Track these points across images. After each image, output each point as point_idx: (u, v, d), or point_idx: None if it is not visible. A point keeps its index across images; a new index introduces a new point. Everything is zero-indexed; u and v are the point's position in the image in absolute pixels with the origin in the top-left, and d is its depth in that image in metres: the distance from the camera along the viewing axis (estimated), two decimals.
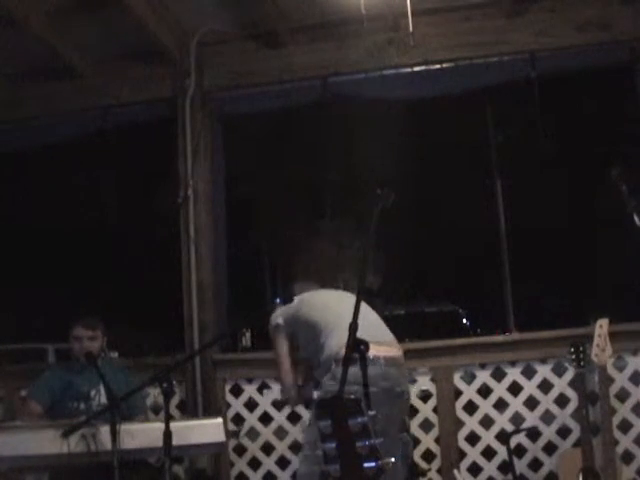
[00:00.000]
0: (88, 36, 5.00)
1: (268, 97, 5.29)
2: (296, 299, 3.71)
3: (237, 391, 4.89)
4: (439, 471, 4.53)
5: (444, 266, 10.55)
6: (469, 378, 4.62)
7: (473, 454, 4.52)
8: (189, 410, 4.85)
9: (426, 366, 4.60)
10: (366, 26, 4.72)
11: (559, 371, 4.52)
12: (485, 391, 4.60)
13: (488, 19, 4.89)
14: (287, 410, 4.79)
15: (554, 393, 4.52)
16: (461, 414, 4.57)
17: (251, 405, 4.85)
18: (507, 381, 4.58)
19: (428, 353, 4.29)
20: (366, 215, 2.92)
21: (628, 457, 4.34)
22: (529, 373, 4.55)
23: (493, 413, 4.56)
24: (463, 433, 4.55)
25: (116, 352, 4.98)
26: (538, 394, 4.53)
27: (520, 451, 4.50)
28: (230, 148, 5.50)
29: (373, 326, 3.53)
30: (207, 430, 3.76)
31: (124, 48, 5.15)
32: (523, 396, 4.55)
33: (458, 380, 4.59)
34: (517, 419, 4.54)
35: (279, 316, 3.68)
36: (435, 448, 4.59)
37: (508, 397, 4.56)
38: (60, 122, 5.50)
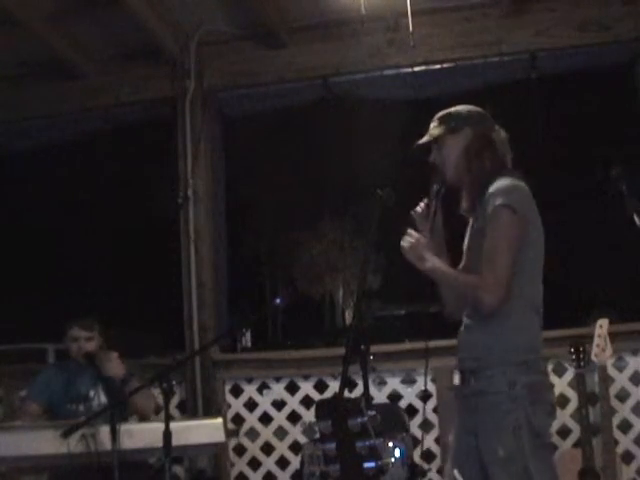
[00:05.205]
0: (88, 36, 5.00)
1: (268, 97, 5.30)
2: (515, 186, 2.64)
3: (237, 391, 4.89)
4: (439, 471, 4.53)
5: None
6: None
7: None
8: (189, 410, 4.86)
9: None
10: (366, 26, 4.73)
11: (559, 371, 4.52)
12: None
13: (488, 19, 4.89)
14: (287, 410, 4.79)
15: (554, 393, 4.51)
16: None
17: (251, 405, 4.86)
18: None
19: (428, 353, 4.26)
20: (366, 216, 2.91)
21: (628, 457, 4.34)
22: None
23: None
24: None
25: (116, 352, 4.96)
26: None
27: None
28: (230, 148, 5.50)
29: None
30: (207, 430, 3.75)
31: (124, 48, 5.15)
32: None
33: (458, 380, 4.58)
34: None
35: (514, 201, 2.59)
36: (435, 448, 4.59)
37: None
38: (60, 122, 5.50)
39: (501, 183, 2.61)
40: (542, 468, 2.52)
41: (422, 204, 2.78)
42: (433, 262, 2.64)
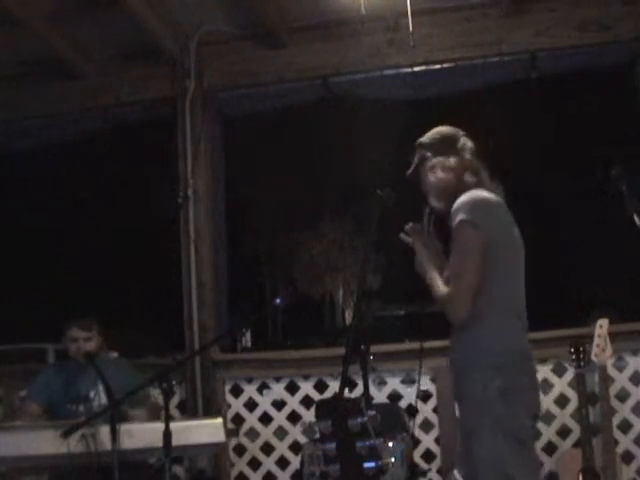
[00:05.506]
0: (88, 36, 5.00)
1: (268, 97, 5.30)
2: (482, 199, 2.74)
3: (237, 391, 4.89)
4: (439, 471, 4.53)
5: None
6: None
7: None
8: (189, 410, 4.85)
9: (426, 366, 4.60)
10: (366, 26, 4.73)
11: (559, 371, 4.52)
12: None
13: (488, 19, 4.89)
14: (287, 410, 4.79)
15: (554, 393, 4.52)
16: None
17: (251, 405, 4.86)
18: None
19: (428, 353, 4.28)
20: (366, 216, 2.93)
21: (628, 457, 4.34)
22: None
23: None
24: None
25: (116, 352, 4.97)
26: None
27: None
28: (230, 148, 5.50)
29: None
30: (207, 430, 3.75)
31: (124, 48, 5.15)
32: None
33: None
34: None
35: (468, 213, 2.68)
36: (435, 448, 4.59)
37: None
38: (60, 122, 5.50)
39: (463, 198, 2.71)
40: (525, 470, 2.57)
41: (408, 226, 2.88)
42: (430, 274, 2.76)
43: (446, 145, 2.87)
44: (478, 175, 2.83)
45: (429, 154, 2.87)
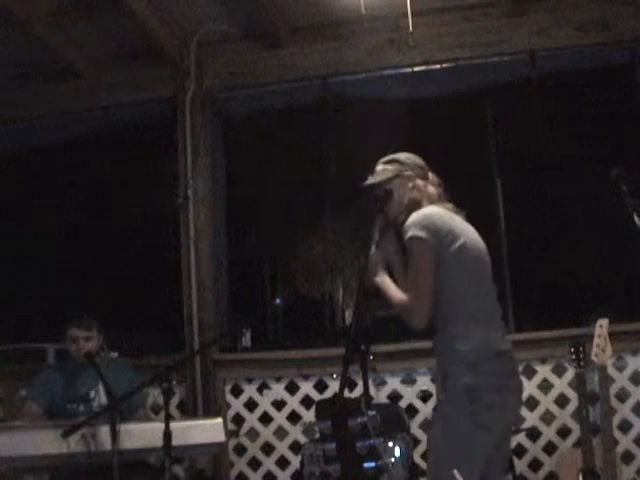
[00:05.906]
0: (88, 36, 5.00)
1: (268, 97, 5.30)
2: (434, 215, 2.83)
3: (237, 391, 4.89)
4: None
5: None
6: None
7: None
8: (189, 410, 4.86)
9: (426, 366, 4.60)
10: (366, 26, 4.74)
11: (559, 371, 4.52)
12: None
13: (488, 19, 4.90)
14: (287, 410, 4.79)
15: (554, 393, 4.52)
16: None
17: (251, 405, 4.86)
18: None
19: (428, 353, 4.28)
20: (366, 215, 2.94)
21: (628, 457, 4.34)
22: (529, 373, 4.55)
23: None
24: None
25: (116, 352, 4.97)
26: (538, 394, 4.53)
27: (520, 451, 4.50)
28: (230, 148, 5.50)
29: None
30: (207, 430, 3.75)
31: (124, 48, 5.15)
32: (523, 396, 4.54)
33: None
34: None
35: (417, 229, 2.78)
36: None
37: None
38: (60, 122, 5.50)
39: (412, 217, 2.81)
40: (461, 469, 2.57)
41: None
42: (382, 278, 2.89)
43: (423, 171, 2.99)
44: (432, 199, 2.93)
45: (411, 173, 2.95)
